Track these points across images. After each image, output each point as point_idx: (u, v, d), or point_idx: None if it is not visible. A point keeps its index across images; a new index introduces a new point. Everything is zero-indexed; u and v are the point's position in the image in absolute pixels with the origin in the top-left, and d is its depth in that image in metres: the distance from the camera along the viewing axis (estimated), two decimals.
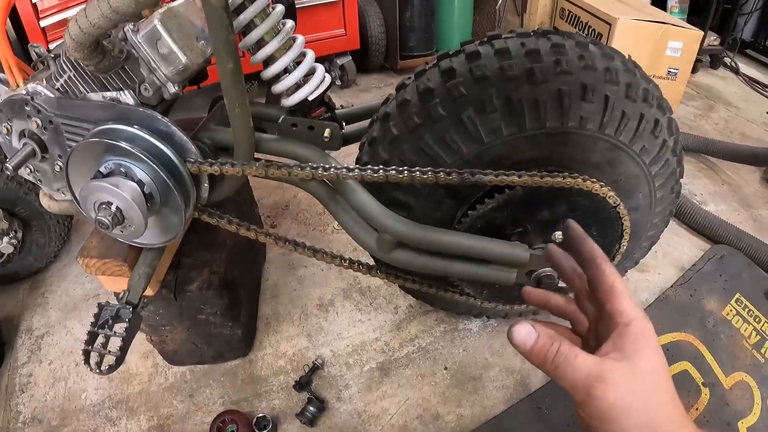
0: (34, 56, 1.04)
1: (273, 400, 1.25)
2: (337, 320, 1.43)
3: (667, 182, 1.04)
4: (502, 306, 1.13)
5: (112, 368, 0.84)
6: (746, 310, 1.53)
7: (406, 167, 0.81)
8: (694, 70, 2.83)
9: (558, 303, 0.62)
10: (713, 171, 2.07)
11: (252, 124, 0.85)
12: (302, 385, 1.23)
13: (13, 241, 1.46)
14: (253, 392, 1.26)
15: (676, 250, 1.66)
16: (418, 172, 0.81)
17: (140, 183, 0.83)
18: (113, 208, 0.82)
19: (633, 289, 1.50)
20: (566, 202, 0.93)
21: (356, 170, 0.80)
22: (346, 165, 0.82)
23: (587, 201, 0.93)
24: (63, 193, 1.03)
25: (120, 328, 0.87)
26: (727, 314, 1.51)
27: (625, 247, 1.07)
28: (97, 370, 0.83)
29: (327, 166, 0.81)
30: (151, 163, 0.83)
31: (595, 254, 0.55)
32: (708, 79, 2.88)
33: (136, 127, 0.85)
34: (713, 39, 2.89)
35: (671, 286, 1.53)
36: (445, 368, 1.30)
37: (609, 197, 0.93)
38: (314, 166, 0.81)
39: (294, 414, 1.19)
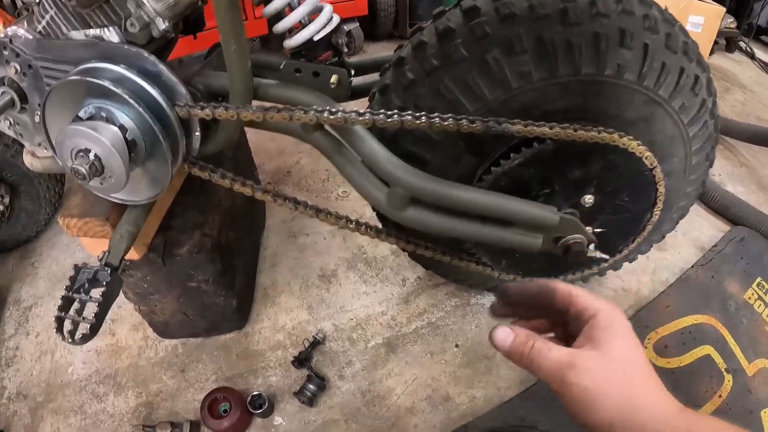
0: (19, 4, 0.94)
1: (270, 376, 1.14)
2: (340, 292, 1.33)
3: (703, 147, 0.93)
4: (521, 278, 1.03)
5: (86, 338, 0.73)
6: None
7: (423, 113, 0.71)
8: (710, 53, 2.71)
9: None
10: (731, 152, 1.96)
11: (250, 64, 0.74)
12: (302, 361, 1.13)
13: (0, 207, 1.36)
14: (248, 368, 1.16)
15: (695, 230, 1.56)
16: (437, 119, 0.70)
17: (122, 128, 0.73)
18: (91, 155, 0.72)
19: (653, 268, 1.40)
20: (600, 161, 0.83)
21: (367, 114, 0.70)
22: (355, 109, 0.71)
23: (622, 161, 0.83)
24: (45, 148, 0.92)
25: (97, 292, 0.77)
26: (749, 298, 1.41)
27: (657, 217, 0.97)
28: (70, 340, 0.72)
29: (334, 109, 0.71)
30: (136, 106, 0.72)
31: (541, 283, 0.55)
32: (724, 62, 2.75)
33: (121, 66, 0.74)
34: (730, 21, 2.77)
35: (692, 267, 1.43)
36: (456, 346, 1.20)
37: (646, 158, 0.83)
38: (319, 109, 0.71)
39: (292, 392, 1.09)
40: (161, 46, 0.88)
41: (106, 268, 0.77)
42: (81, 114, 0.75)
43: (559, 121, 0.76)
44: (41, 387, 1.17)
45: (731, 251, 1.51)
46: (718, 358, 1.27)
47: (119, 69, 0.74)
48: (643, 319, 1.28)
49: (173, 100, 0.75)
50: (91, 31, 0.80)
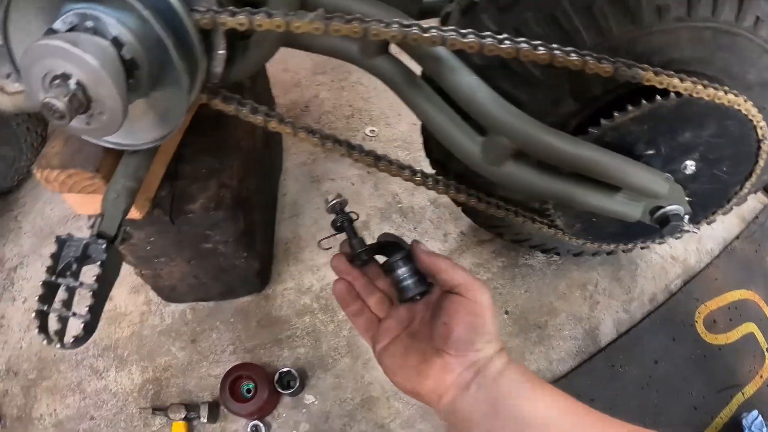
0: None
1: (297, 347, 0.94)
2: None
3: None
4: (590, 244, 0.84)
5: (79, 341, 0.48)
6: None
7: (541, 42, 0.48)
8: None
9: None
10: None
11: None
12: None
13: None
14: (271, 338, 0.95)
15: None
16: (559, 51, 0.48)
17: (116, 42, 0.46)
18: (72, 83, 0.44)
19: (698, 236, 1.22)
20: (715, 126, 0.63)
21: (471, 36, 0.47)
22: (453, 27, 0.48)
23: (736, 128, 0.64)
24: (15, 80, 0.65)
25: (90, 275, 0.51)
26: None
27: (746, 191, 0.79)
28: (58, 344, 0.48)
29: (425, 25, 0.47)
30: (140, 9, 0.46)
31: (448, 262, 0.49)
32: None
33: None
34: None
35: (737, 238, 1.27)
36: (506, 312, 1.01)
37: (761, 127, 0.65)
38: (406, 23, 0.47)
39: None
40: None
41: (99, 241, 0.52)
42: (57, 25, 0.48)
43: (679, 72, 0.56)
44: (33, 362, 0.94)
45: None
46: (760, 337, 1.16)
47: None
48: (693, 292, 1.14)
49: (191, 4, 0.50)
50: None
